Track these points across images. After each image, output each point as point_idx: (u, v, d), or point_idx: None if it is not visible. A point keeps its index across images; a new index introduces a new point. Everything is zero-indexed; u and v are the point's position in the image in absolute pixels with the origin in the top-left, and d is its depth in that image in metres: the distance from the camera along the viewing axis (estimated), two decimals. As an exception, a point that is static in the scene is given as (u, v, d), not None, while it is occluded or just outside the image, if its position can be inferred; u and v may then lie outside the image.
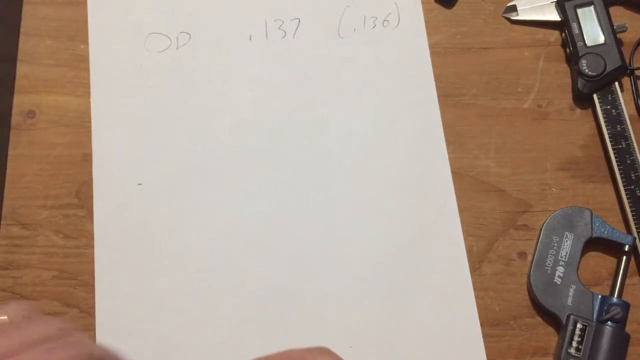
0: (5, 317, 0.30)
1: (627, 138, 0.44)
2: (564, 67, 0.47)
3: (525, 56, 0.48)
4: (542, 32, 0.48)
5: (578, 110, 0.46)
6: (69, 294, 0.38)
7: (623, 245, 0.42)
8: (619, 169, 0.43)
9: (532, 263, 0.42)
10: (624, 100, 0.45)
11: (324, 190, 0.44)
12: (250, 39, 0.47)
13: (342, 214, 0.43)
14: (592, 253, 0.43)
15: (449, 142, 0.45)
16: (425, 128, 0.45)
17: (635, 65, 0.47)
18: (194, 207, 0.43)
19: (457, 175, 0.44)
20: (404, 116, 0.46)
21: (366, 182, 0.44)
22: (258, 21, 0.48)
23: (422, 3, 0.49)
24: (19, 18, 0.47)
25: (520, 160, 0.45)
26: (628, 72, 0.46)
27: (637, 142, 0.44)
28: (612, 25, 0.46)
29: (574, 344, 0.39)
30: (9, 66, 0.46)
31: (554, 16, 0.48)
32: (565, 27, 0.47)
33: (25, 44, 0.47)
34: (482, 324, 0.41)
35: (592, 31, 0.46)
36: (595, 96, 0.45)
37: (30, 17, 0.47)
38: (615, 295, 0.40)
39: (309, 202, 0.43)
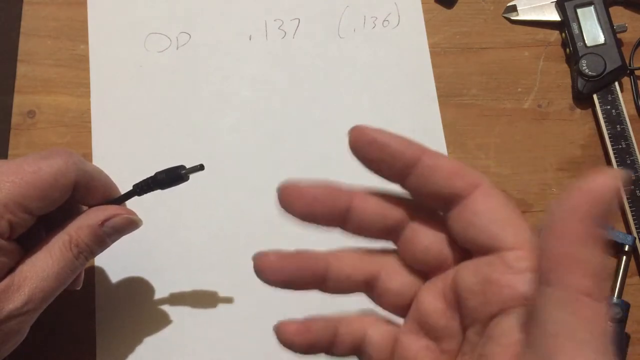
0: None
1: (627, 138, 0.44)
2: (564, 67, 0.47)
3: (525, 56, 0.48)
4: (542, 32, 0.48)
5: (578, 110, 0.46)
6: (69, 294, 0.38)
7: (623, 245, 0.41)
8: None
9: (532, 263, 0.42)
10: (624, 100, 0.45)
11: (323, 190, 0.44)
12: (250, 39, 0.47)
13: (342, 214, 0.43)
14: (592, 253, 0.43)
15: (449, 142, 0.45)
16: (425, 128, 0.45)
17: (635, 65, 0.47)
18: (194, 207, 0.43)
19: (457, 175, 0.44)
20: (404, 116, 0.45)
21: (366, 182, 0.44)
22: (258, 21, 0.48)
23: (422, 3, 0.49)
24: (19, 18, 0.47)
25: (520, 160, 0.45)
26: (628, 72, 0.46)
27: (637, 142, 0.44)
28: (612, 25, 0.46)
29: (574, 344, 0.39)
30: (9, 66, 0.46)
31: (554, 16, 0.48)
32: (565, 27, 0.47)
33: (25, 44, 0.47)
34: (482, 324, 0.41)
35: (592, 31, 0.46)
36: (595, 96, 0.45)
37: (30, 17, 0.47)
38: (615, 295, 0.40)
39: (308, 202, 0.43)
